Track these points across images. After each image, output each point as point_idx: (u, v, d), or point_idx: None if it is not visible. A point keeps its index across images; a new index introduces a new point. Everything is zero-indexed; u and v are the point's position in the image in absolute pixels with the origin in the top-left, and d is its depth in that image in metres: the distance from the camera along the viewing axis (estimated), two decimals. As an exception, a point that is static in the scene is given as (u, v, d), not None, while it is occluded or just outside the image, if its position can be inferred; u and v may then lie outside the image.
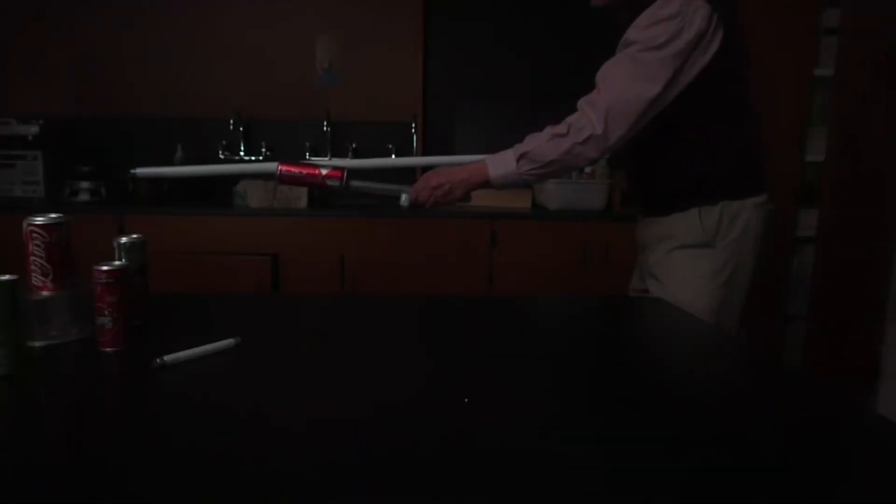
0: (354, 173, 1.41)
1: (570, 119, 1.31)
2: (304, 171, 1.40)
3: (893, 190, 2.57)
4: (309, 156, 2.87)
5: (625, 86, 1.27)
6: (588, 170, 2.58)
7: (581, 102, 1.31)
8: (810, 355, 2.73)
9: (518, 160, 1.33)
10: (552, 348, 1.07)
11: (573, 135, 1.29)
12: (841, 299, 2.68)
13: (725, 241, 1.36)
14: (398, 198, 1.45)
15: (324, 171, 1.39)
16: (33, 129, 2.58)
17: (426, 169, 1.53)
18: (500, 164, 1.36)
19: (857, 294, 2.65)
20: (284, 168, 1.38)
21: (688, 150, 1.36)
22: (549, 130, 1.32)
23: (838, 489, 0.62)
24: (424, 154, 2.88)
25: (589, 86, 1.34)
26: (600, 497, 0.60)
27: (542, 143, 1.32)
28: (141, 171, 1.53)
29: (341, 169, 1.40)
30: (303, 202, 2.52)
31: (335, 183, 1.39)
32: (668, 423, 0.76)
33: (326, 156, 2.86)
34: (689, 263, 1.38)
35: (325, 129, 2.83)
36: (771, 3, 2.48)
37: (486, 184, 1.38)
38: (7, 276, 0.85)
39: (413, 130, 2.87)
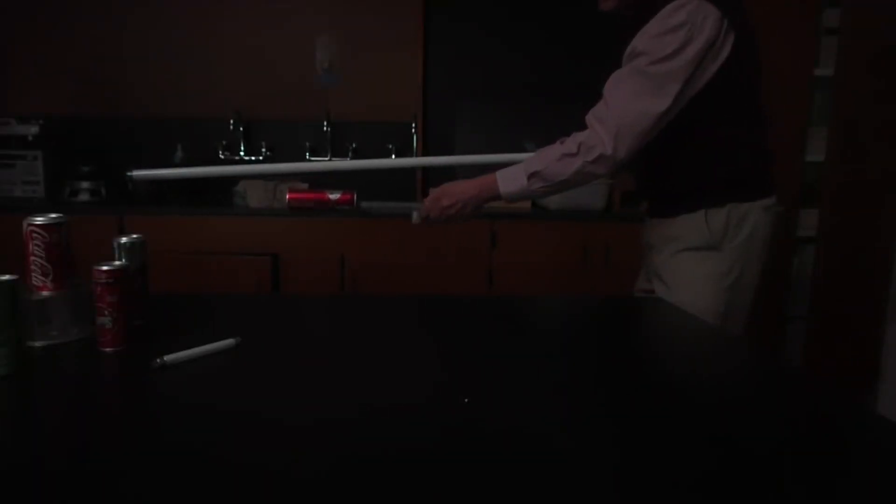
0: (363, 192, 1.41)
1: (581, 137, 1.29)
2: (314, 197, 1.40)
3: (893, 190, 2.58)
4: (309, 156, 2.87)
5: (634, 102, 1.25)
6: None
7: (590, 118, 1.30)
8: (810, 355, 2.73)
9: (529, 178, 1.33)
10: (552, 348, 1.07)
11: (583, 154, 1.28)
12: (841, 299, 2.68)
13: (733, 243, 1.34)
14: (409, 216, 1.46)
15: (333, 197, 1.39)
16: (33, 129, 2.58)
17: (426, 171, 1.53)
18: (511, 181, 1.36)
19: (857, 294, 2.65)
20: (293, 196, 1.38)
21: (696, 151, 1.34)
22: (559, 149, 1.31)
23: (838, 489, 0.62)
24: (424, 154, 2.88)
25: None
26: (602, 496, 0.60)
27: (553, 163, 1.31)
28: (138, 173, 1.52)
29: (351, 192, 1.40)
30: (303, 202, 2.51)
31: (346, 207, 1.40)
32: (667, 423, 0.76)
33: (326, 156, 2.87)
34: (695, 265, 1.37)
35: (325, 129, 2.83)
36: (771, 3, 2.48)
37: (497, 198, 1.39)
38: (7, 276, 0.85)
39: (413, 130, 2.87)
